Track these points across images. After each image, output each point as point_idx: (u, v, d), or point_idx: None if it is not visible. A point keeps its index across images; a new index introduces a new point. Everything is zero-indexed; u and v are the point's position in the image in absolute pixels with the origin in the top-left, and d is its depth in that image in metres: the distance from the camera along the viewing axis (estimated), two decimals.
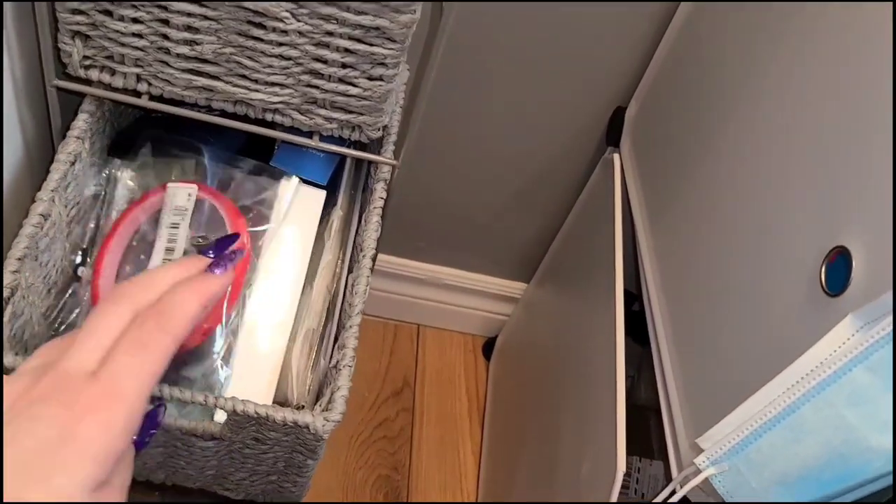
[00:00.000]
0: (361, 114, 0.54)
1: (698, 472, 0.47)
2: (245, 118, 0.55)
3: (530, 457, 0.95)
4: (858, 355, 0.40)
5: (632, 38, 0.90)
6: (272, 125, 0.55)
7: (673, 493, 0.56)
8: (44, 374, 0.31)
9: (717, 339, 0.61)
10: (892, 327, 0.39)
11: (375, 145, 0.61)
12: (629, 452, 1.04)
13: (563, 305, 1.00)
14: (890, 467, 0.40)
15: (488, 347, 1.29)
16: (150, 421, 0.34)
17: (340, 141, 0.60)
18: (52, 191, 0.51)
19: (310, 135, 0.56)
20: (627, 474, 1.02)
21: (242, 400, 0.49)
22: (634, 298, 0.93)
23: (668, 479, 0.99)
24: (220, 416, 0.54)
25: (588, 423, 0.77)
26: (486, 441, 1.19)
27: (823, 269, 0.50)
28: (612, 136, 0.95)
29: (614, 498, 0.64)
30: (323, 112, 0.54)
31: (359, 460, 1.14)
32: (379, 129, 0.56)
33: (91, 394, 0.30)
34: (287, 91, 0.52)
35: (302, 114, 0.54)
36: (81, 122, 0.55)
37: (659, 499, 0.53)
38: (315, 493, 1.07)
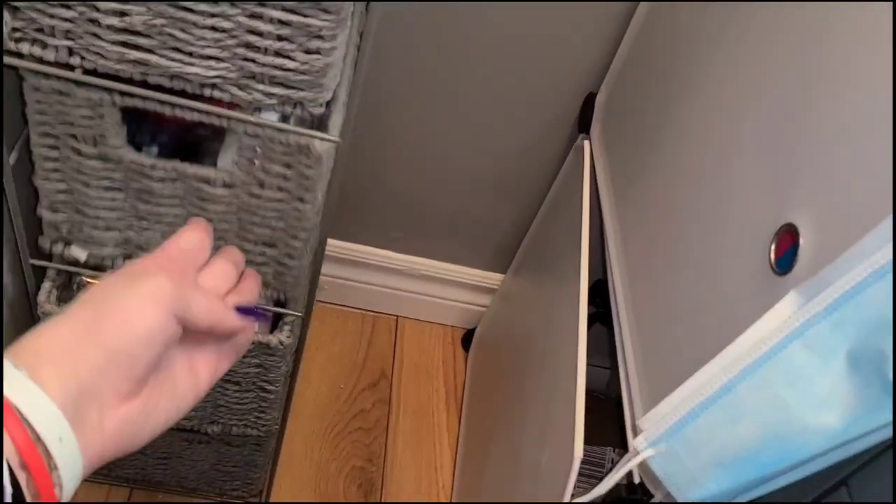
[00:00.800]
0: (301, 89, 0.53)
1: (638, 454, 0.46)
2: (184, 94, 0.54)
3: (498, 448, 0.93)
4: (794, 331, 0.38)
5: (603, 21, 0.89)
6: (212, 102, 0.54)
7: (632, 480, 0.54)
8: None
9: (672, 321, 0.60)
10: (829, 301, 0.38)
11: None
12: (604, 443, 1.03)
13: (534, 295, 0.98)
14: (828, 446, 0.39)
15: (467, 339, 1.28)
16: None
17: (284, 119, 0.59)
18: None
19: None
20: (599, 465, 1.01)
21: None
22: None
23: None
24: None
25: (549, 413, 0.76)
26: (462, 433, 1.17)
27: (773, 248, 0.48)
28: (584, 122, 0.93)
29: (571, 485, 0.63)
30: (261, 87, 0.53)
31: (333, 451, 1.13)
32: (321, 105, 0.54)
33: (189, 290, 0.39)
34: (223, 65, 0.51)
35: (241, 89, 0.53)
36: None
37: (605, 482, 0.51)
38: (288, 484, 1.06)
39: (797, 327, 0.38)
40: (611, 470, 1.02)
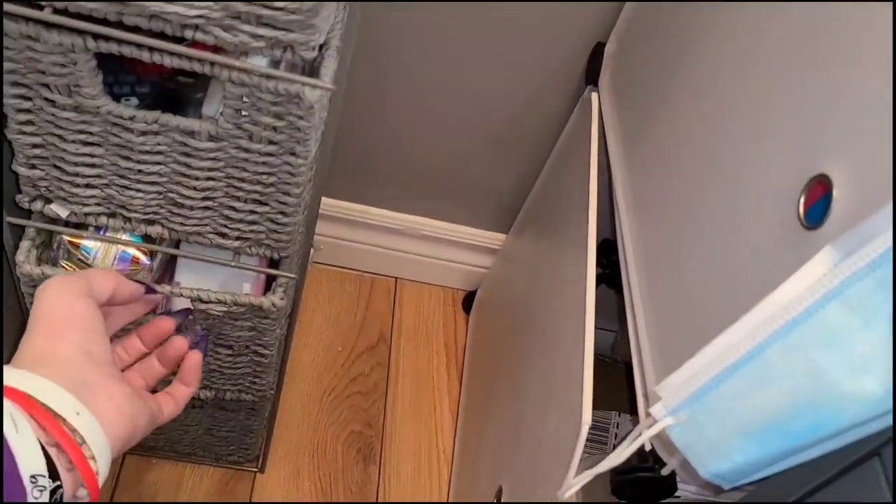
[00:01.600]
0: (291, 30, 0.49)
1: (655, 423, 0.43)
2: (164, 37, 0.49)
3: (501, 412, 0.91)
4: (833, 290, 0.35)
5: None
6: (194, 46, 0.50)
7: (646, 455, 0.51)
8: None
9: (689, 282, 0.57)
10: (872, 256, 0.34)
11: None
12: (609, 407, 1.01)
13: (539, 255, 0.95)
14: (866, 416, 0.36)
15: (468, 301, 1.25)
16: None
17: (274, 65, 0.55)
18: None
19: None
20: (604, 429, 0.99)
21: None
22: (615, 248, 0.88)
23: None
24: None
25: (556, 377, 0.73)
26: (463, 396, 1.15)
27: (802, 200, 0.45)
28: (592, 73, 0.89)
29: (579, 451, 0.60)
30: (248, 28, 0.48)
31: (331, 415, 1.10)
32: (312, 49, 0.50)
33: None
34: (206, 3, 0.47)
35: (225, 30, 0.49)
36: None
37: (618, 451, 0.49)
38: (284, 449, 1.04)
39: (836, 286, 0.35)
40: (617, 435, 1.00)
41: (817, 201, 0.44)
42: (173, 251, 0.69)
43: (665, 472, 0.57)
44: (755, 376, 0.37)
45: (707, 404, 0.39)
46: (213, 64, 0.52)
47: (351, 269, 1.24)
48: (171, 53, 0.51)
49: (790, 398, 0.36)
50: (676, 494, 0.59)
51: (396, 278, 1.26)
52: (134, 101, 0.59)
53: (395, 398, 1.14)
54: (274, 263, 0.71)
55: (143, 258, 0.67)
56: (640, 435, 0.45)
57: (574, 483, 0.51)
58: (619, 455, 0.46)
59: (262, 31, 0.49)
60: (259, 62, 0.54)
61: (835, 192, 0.43)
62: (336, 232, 1.17)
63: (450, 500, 1.06)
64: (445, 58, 0.94)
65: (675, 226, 0.61)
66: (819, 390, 0.35)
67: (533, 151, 1.05)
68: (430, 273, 1.25)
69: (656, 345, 0.60)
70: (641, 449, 0.57)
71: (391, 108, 1.00)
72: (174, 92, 0.60)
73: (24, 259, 0.64)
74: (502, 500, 0.79)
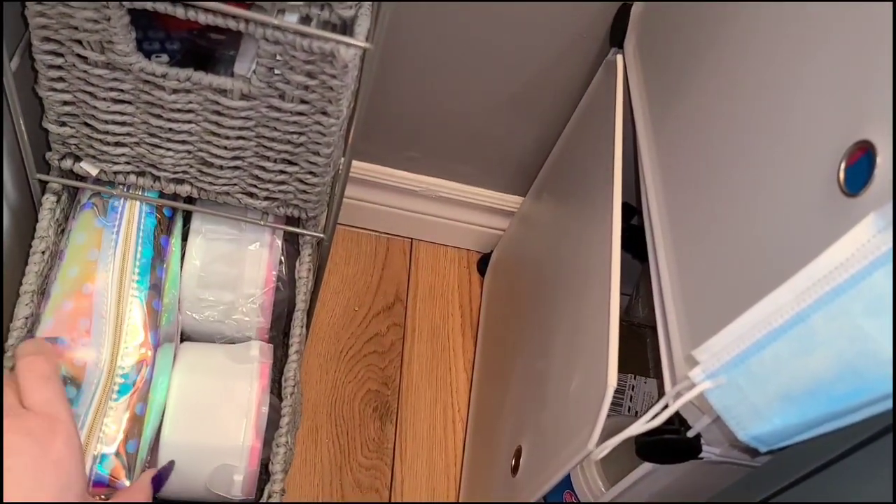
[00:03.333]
0: None
1: (693, 386, 0.43)
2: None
3: (521, 373, 0.92)
4: (880, 257, 0.35)
5: None
6: (229, 2, 0.49)
7: (665, 408, 0.52)
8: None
9: (720, 247, 0.57)
10: None
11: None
12: (624, 370, 1.02)
13: (559, 218, 0.95)
14: None
15: (483, 263, 1.25)
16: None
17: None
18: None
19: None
20: (620, 392, 1.00)
21: None
22: (635, 212, 0.88)
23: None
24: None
25: (580, 339, 0.73)
26: (478, 357, 1.16)
27: (842, 167, 0.45)
28: (617, 35, 0.88)
29: (604, 413, 0.61)
30: None
31: (348, 374, 1.12)
32: (350, 7, 0.50)
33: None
34: None
35: None
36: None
37: (650, 414, 0.49)
38: (304, 406, 1.05)
39: (884, 252, 0.35)
40: (632, 398, 1.01)
41: (859, 168, 0.44)
42: (193, 208, 0.69)
43: (690, 434, 0.57)
44: (799, 341, 0.37)
45: (748, 368, 0.40)
46: (248, 21, 0.51)
47: (367, 229, 1.24)
48: (206, 10, 0.50)
49: (834, 363, 0.36)
50: (700, 456, 0.60)
51: (412, 239, 1.26)
52: (164, 57, 0.59)
53: (410, 358, 1.15)
54: (300, 223, 0.71)
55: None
56: (676, 398, 0.45)
57: (607, 445, 0.52)
58: (657, 418, 0.47)
59: None
60: (289, 19, 0.53)
61: (878, 159, 0.42)
62: (353, 192, 1.17)
63: (465, 459, 1.08)
64: (466, 16, 0.93)
65: (707, 191, 0.61)
66: (864, 356, 0.36)
67: (553, 114, 1.04)
68: (445, 234, 1.25)
69: (682, 310, 0.61)
70: (664, 408, 0.57)
71: (410, 68, 0.99)
72: (205, 49, 0.60)
73: (47, 225, 0.64)
74: (521, 460, 0.81)
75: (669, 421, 0.57)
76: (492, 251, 1.23)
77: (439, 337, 1.18)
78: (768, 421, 0.40)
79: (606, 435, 0.61)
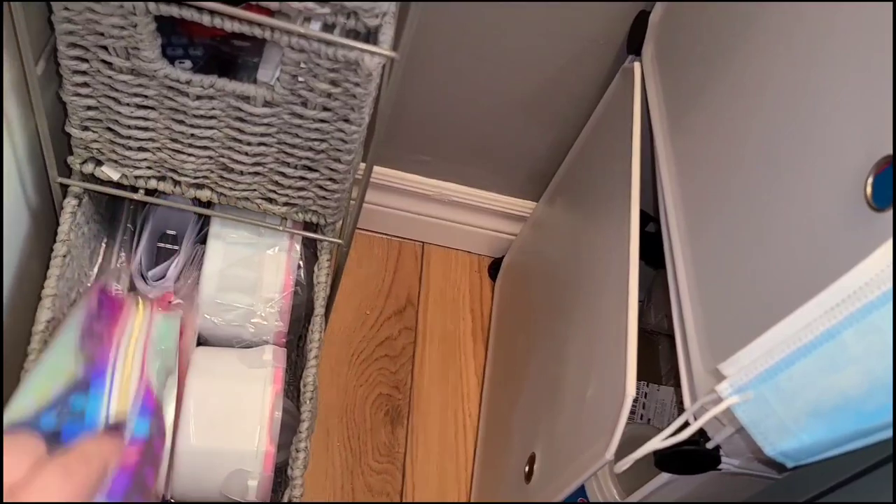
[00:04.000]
0: None
1: (719, 400, 0.43)
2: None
3: (534, 379, 0.92)
4: None
5: None
6: (255, 10, 0.49)
7: (686, 423, 0.52)
8: None
9: (742, 259, 0.57)
10: None
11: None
12: (636, 377, 1.02)
13: (574, 225, 0.95)
14: None
15: (494, 268, 1.25)
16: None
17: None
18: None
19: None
20: (633, 399, 1.00)
21: None
22: (649, 219, 0.88)
23: (679, 406, 0.96)
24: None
25: (595, 346, 0.73)
26: (489, 362, 1.16)
27: (870, 181, 0.45)
28: (634, 43, 0.88)
29: (622, 423, 0.61)
30: None
31: (359, 378, 1.12)
32: (377, 16, 0.50)
33: None
34: None
35: None
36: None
37: (672, 428, 0.49)
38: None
39: None
40: (645, 405, 1.01)
41: (885, 182, 0.44)
42: (213, 212, 0.69)
43: (710, 445, 0.57)
44: (829, 358, 0.37)
45: (777, 384, 0.39)
46: (273, 29, 0.51)
47: (379, 232, 1.24)
48: (233, 17, 0.50)
49: (864, 380, 0.36)
50: (719, 467, 0.60)
51: (423, 243, 1.26)
52: (187, 63, 0.59)
53: (422, 362, 1.15)
54: (318, 229, 0.71)
55: None
56: (699, 413, 0.45)
57: (628, 459, 0.52)
58: (680, 434, 0.47)
59: None
60: (313, 27, 0.53)
61: None
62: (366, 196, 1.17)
63: (476, 464, 1.08)
64: (481, 20, 0.93)
65: (728, 202, 0.61)
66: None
67: (567, 120, 1.04)
68: (457, 238, 1.25)
69: (702, 322, 0.61)
70: (685, 423, 0.57)
71: (425, 72, 0.99)
72: (228, 55, 0.60)
73: (67, 229, 0.64)
74: (535, 467, 0.81)
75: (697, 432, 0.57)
76: (503, 256, 1.23)
77: (450, 341, 1.18)
78: (796, 437, 0.40)
79: (621, 443, 0.61)
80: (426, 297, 1.21)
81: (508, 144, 1.10)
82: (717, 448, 0.58)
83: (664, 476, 0.61)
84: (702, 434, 0.57)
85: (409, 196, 1.18)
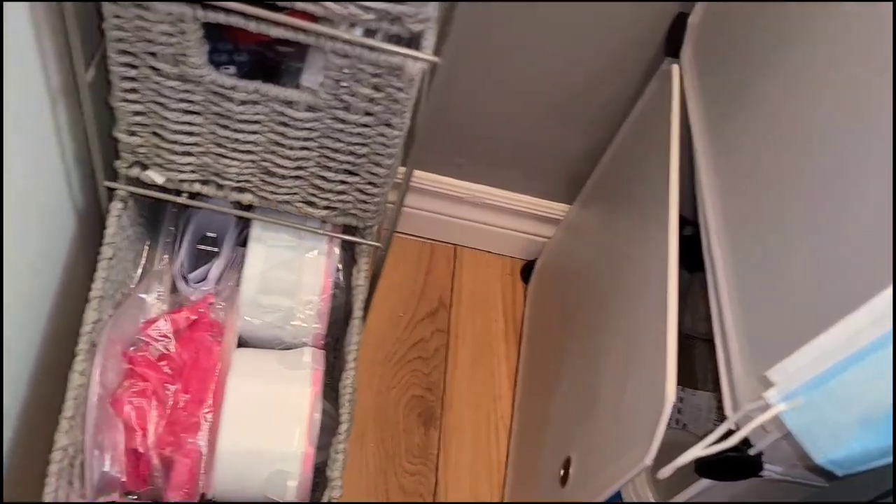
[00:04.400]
0: (401, 1, 0.49)
1: (766, 407, 0.43)
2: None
3: (568, 382, 0.92)
4: None
5: None
6: (301, 16, 0.50)
7: (729, 431, 0.52)
8: None
9: (787, 265, 0.56)
10: None
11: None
12: None
13: (610, 228, 0.94)
14: None
15: (527, 270, 1.25)
16: None
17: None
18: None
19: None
20: None
21: None
22: (685, 222, 0.87)
23: (717, 411, 0.96)
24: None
25: (634, 350, 0.73)
26: (521, 364, 1.16)
27: None
28: (672, 45, 0.87)
29: (662, 428, 0.61)
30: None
31: (393, 379, 1.12)
32: (421, 21, 0.50)
33: None
34: None
35: (336, 0, 0.49)
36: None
37: (715, 435, 0.49)
38: None
39: None
40: (681, 410, 1.00)
41: None
42: (254, 216, 0.70)
43: (752, 451, 0.57)
44: (882, 365, 0.37)
45: (828, 391, 0.39)
46: (318, 35, 0.52)
47: (412, 234, 1.24)
48: (279, 24, 0.51)
49: None
50: (761, 474, 0.59)
51: (456, 245, 1.26)
52: (232, 69, 0.60)
53: (454, 364, 1.15)
54: (357, 233, 0.71)
55: None
56: (744, 420, 0.45)
57: (671, 466, 0.52)
58: (725, 442, 0.46)
59: (373, 3, 0.49)
60: (355, 32, 0.54)
61: None
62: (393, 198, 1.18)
63: (509, 466, 1.08)
64: (516, 22, 0.93)
65: (773, 207, 0.60)
66: None
67: (602, 122, 1.04)
68: (489, 241, 1.25)
69: (743, 329, 0.60)
70: (728, 430, 0.57)
71: (460, 75, 1.00)
72: (271, 61, 0.61)
73: (114, 232, 0.65)
74: (571, 471, 0.80)
75: (729, 437, 0.57)
76: (536, 259, 1.23)
77: (483, 343, 1.18)
78: (846, 445, 0.39)
79: (660, 449, 0.61)
80: (459, 300, 1.22)
81: (542, 147, 1.10)
82: (760, 454, 0.57)
83: (704, 482, 0.61)
84: (744, 441, 0.57)
85: (442, 199, 1.18)
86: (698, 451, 0.49)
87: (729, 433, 0.54)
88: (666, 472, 0.52)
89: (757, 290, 0.60)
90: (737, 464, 0.57)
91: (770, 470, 0.59)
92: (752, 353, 0.58)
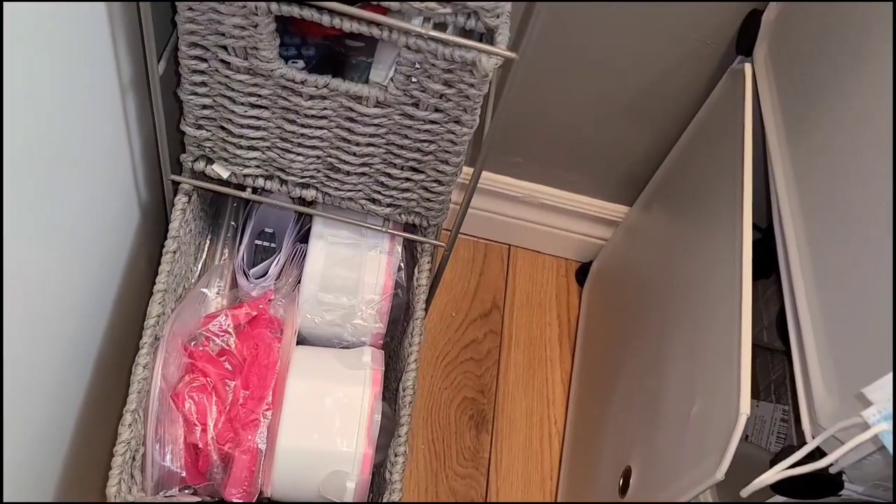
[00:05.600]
0: None
1: (864, 426, 0.40)
2: None
3: (627, 390, 0.89)
4: None
5: None
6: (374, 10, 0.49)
7: (815, 452, 0.49)
8: None
9: (876, 275, 0.53)
10: None
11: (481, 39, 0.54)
12: None
13: (675, 231, 0.91)
14: None
15: (582, 273, 1.22)
16: None
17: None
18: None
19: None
20: None
21: None
22: (754, 227, 0.84)
23: (783, 423, 0.92)
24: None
25: (703, 361, 0.70)
26: (576, 369, 1.14)
27: None
28: (744, 43, 0.84)
29: (735, 442, 0.58)
30: None
31: (444, 380, 1.11)
32: (498, 16, 0.49)
33: None
34: None
35: None
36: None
37: (800, 455, 0.46)
38: None
39: None
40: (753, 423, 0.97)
41: None
42: (316, 212, 0.69)
43: (833, 470, 0.54)
44: None
45: None
46: (391, 29, 0.51)
47: (465, 234, 1.23)
48: (351, 17, 0.50)
49: None
50: (840, 493, 0.56)
51: (510, 245, 1.24)
52: (300, 63, 0.59)
53: (507, 367, 1.14)
54: (420, 230, 0.70)
55: None
56: (833, 444, 0.42)
57: (754, 485, 0.49)
58: (823, 461, 0.44)
59: None
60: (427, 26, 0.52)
61: None
62: (453, 197, 1.16)
63: (563, 472, 1.05)
64: (580, 18, 0.91)
65: (858, 212, 0.57)
66: None
67: (667, 123, 1.01)
68: (544, 242, 1.23)
69: (825, 343, 0.57)
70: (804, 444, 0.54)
71: (523, 73, 0.98)
72: (340, 55, 0.60)
73: (178, 226, 0.65)
74: (631, 481, 0.78)
75: (810, 455, 0.54)
76: (591, 261, 1.20)
77: (536, 346, 1.16)
78: None
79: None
80: (512, 301, 1.20)
81: (604, 147, 1.07)
82: (841, 473, 0.54)
83: (779, 499, 0.58)
84: (822, 455, 0.54)
85: (497, 198, 1.16)
86: (782, 471, 0.47)
87: (813, 455, 0.51)
88: (747, 490, 0.50)
89: (841, 301, 0.57)
90: (817, 482, 0.54)
91: (851, 489, 0.56)
92: (838, 371, 0.55)
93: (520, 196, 1.15)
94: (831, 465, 0.52)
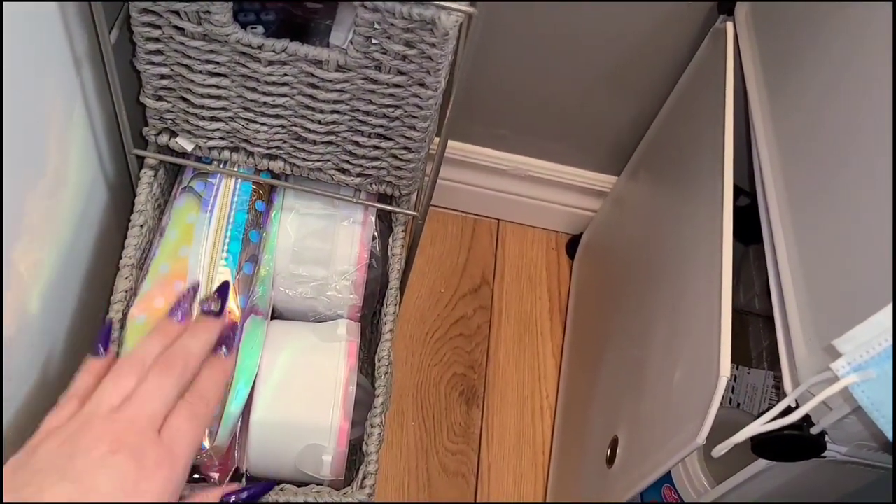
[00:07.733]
0: None
1: (833, 379, 0.39)
2: None
3: (615, 360, 0.88)
4: None
5: None
6: None
7: (789, 408, 0.48)
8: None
9: (854, 230, 0.52)
10: None
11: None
12: None
13: (660, 199, 0.90)
14: None
15: (572, 245, 1.21)
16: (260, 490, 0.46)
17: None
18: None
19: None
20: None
21: None
22: (739, 192, 0.83)
23: (774, 389, 0.91)
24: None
25: (685, 326, 0.69)
26: (567, 342, 1.12)
27: None
28: (726, 2, 0.82)
29: (716, 405, 0.57)
30: None
31: (434, 357, 1.10)
32: None
33: (157, 453, 0.39)
34: None
35: None
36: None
37: (775, 411, 0.45)
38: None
39: None
40: (734, 388, 0.95)
41: None
42: (286, 184, 0.67)
43: (814, 430, 0.53)
44: None
45: None
46: None
47: (453, 209, 1.21)
48: None
49: None
50: (823, 455, 0.55)
51: (499, 220, 1.23)
52: (259, 29, 0.57)
53: (497, 342, 1.13)
54: (386, 201, 0.69)
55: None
56: (807, 395, 0.41)
57: (725, 444, 0.48)
58: (786, 418, 0.43)
59: None
60: None
61: None
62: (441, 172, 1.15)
63: (554, 446, 1.05)
64: None
65: (837, 170, 0.56)
66: None
67: (651, 89, 0.99)
68: (533, 215, 1.22)
69: (805, 299, 0.56)
70: (788, 407, 0.53)
71: (500, 41, 0.96)
72: (300, 19, 0.58)
73: (144, 200, 0.64)
74: (618, 451, 0.77)
75: (788, 415, 0.53)
76: (581, 233, 1.19)
77: (526, 321, 1.15)
78: None
79: (711, 430, 0.57)
80: (502, 276, 1.18)
81: (589, 116, 1.05)
82: (823, 433, 0.53)
83: (761, 463, 0.57)
84: (805, 419, 0.53)
85: (484, 171, 1.15)
86: (756, 428, 0.45)
87: (789, 409, 0.50)
88: (720, 450, 0.49)
89: (821, 258, 0.55)
90: (798, 443, 0.53)
91: (834, 450, 0.55)
92: (816, 326, 0.53)
93: (507, 169, 1.14)
94: (806, 423, 0.51)
